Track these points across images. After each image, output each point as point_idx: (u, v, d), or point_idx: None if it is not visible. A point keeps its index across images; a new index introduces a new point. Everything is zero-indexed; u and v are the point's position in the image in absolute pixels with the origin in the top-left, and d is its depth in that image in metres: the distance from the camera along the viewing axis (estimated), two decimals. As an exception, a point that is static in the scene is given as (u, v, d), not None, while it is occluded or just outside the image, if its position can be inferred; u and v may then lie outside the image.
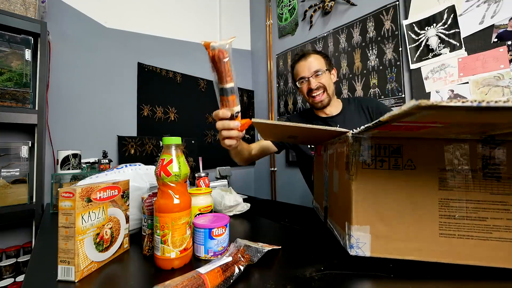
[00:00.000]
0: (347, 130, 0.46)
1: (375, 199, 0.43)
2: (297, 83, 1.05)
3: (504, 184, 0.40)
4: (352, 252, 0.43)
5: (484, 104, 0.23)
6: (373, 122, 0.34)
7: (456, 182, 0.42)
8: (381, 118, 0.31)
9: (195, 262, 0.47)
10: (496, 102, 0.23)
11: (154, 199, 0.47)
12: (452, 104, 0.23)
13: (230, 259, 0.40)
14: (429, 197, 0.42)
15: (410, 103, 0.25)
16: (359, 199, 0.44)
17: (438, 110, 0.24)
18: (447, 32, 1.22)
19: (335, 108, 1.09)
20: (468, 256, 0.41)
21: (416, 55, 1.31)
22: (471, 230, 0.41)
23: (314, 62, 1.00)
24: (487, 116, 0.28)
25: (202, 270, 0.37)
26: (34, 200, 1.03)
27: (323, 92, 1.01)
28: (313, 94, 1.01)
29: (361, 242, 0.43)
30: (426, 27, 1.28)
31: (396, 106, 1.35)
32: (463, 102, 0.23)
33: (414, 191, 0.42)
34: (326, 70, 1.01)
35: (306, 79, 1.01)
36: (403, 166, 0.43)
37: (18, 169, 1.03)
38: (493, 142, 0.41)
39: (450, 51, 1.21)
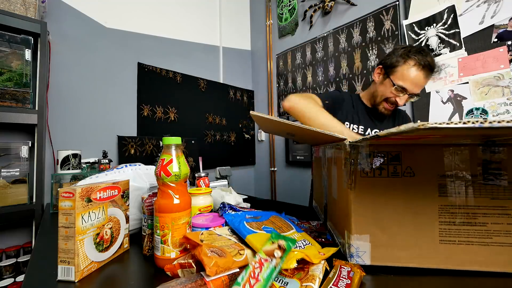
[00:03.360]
0: (344, 137, 0.45)
1: (374, 207, 0.43)
2: (394, 84, 0.87)
3: (504, 189, 0.40)
4: (352, 261, 0.43)
5: (486, 124, 0.23)
6: (370, 136, 0.35)
7: (456, 188, 0.41)
8: (379, 133, 0.31)
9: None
10: (499, 122, 0.22)
11: (154, 199, 0.47)
12: (452, 126, 0.23)
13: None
14: (428, 204, 0.42)
15: (408, 125, 0.25)
16: (358, 208, 0.43)
17: (438, 130, 0.24)
18: (447, 32, 1.22)
19: None
20: (469, 262, 0.41)
21: (416, 55, 1.31)
22: (471, 236, 0.41)
23: (422, 85, 0.88)
24: (490, 131, 0.28)
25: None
26: (34, 200, 1.03)
27: (395, 107, 0.95)
28: (388, 105, 0.93)
29: (361, 251, 0.43)
30: (426, 27, 1.28)
31: (396, 106, 1.35)
32: (464, 123, 0.23)
33: (414, 198, 0.42)
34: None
35: (403, 93, 0.87)
36: (402, 174, 0.42)
37: (18, 169, 1.03)
38: (494, 146, 0.40)
39: (450, 51, 1.21)
